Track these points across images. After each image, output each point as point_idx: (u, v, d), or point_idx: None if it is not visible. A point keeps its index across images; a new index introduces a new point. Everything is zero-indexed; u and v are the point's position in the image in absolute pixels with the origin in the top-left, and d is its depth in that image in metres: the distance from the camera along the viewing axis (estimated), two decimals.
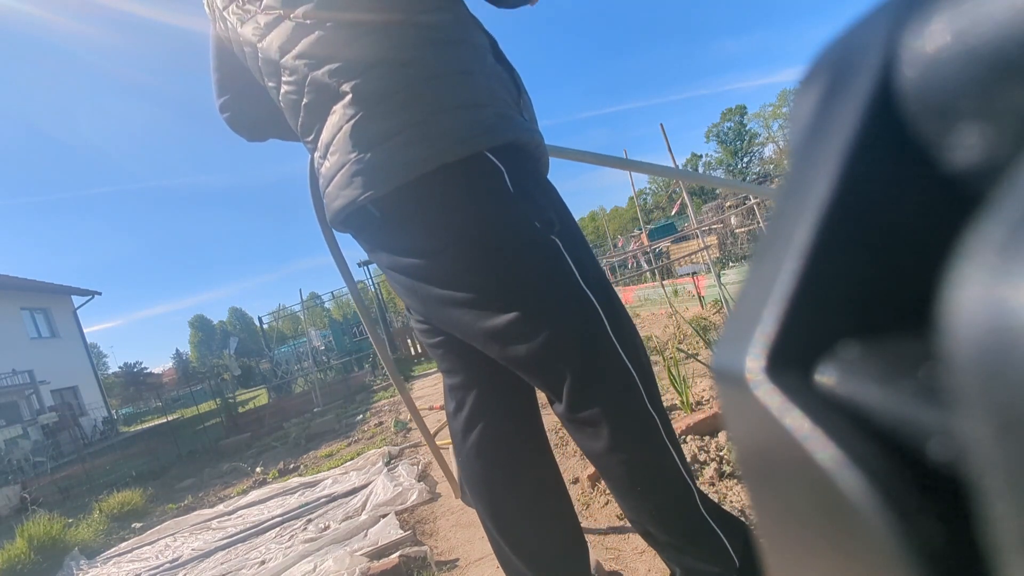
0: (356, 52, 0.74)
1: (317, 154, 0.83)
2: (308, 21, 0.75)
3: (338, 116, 0.75)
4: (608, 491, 1.54)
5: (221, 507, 2.75)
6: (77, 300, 17.94)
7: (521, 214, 0.75)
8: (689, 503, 0.75)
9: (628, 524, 1.36)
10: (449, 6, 0.78)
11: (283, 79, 0.80)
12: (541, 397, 0.90)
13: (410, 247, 0.77)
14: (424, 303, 0.81)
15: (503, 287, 0.73)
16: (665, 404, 2.14)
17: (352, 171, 0.75)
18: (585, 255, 0.79)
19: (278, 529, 2.15)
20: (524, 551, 0.87)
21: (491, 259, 0.74)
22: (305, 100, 0.79)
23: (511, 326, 0.73)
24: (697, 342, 3.06)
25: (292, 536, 2.02)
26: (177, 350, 66.79)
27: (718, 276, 3.70)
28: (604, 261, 11.04)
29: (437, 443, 2.73)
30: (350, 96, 0.74)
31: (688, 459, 1.52)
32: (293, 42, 0.76)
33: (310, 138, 0.84)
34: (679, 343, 3.24)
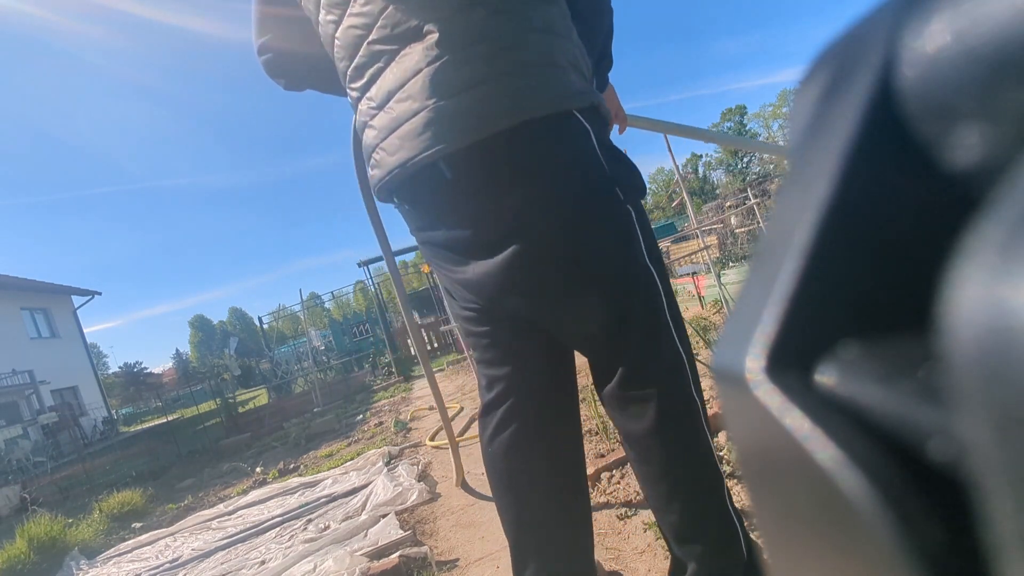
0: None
1: (369, 103, 0.75)
2: None
3: (417, 58, 0.68)
4: (607, 492, 1.54)
5: (221, 507, 2.75)
6: (77, 300, 17.95)
7: (607, 178, 0.72)
8: (718, 490, 0.75)
9: (627, 525, 1.36)
10: None
11: (351, 10, 0.73)
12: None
13: (481, 210, 0.71)
14: (482, 279, 0.75)
15: (581, 253, 0.71)
16: None
17: (427, 119, 0.68)
18: (648, 229, 0.77)
19: (278, 529, 2.15)
20: (538, 547, 0.86)
21: (575, 223, 0.70)
22: (372, 36, 0.71)
23: (582, 295, 0.71)
24: (697, 342, 3.06)
25: (292, 536, 2.02)
26: (177, 350, 66.83)
27: (718, 276, 3.70)
28: None
29: (433, 444, 2.74)
30: (437, 37, 0.67)
31: None
32: None
33: (360, 83, 0.76)
34: None
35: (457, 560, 1.46)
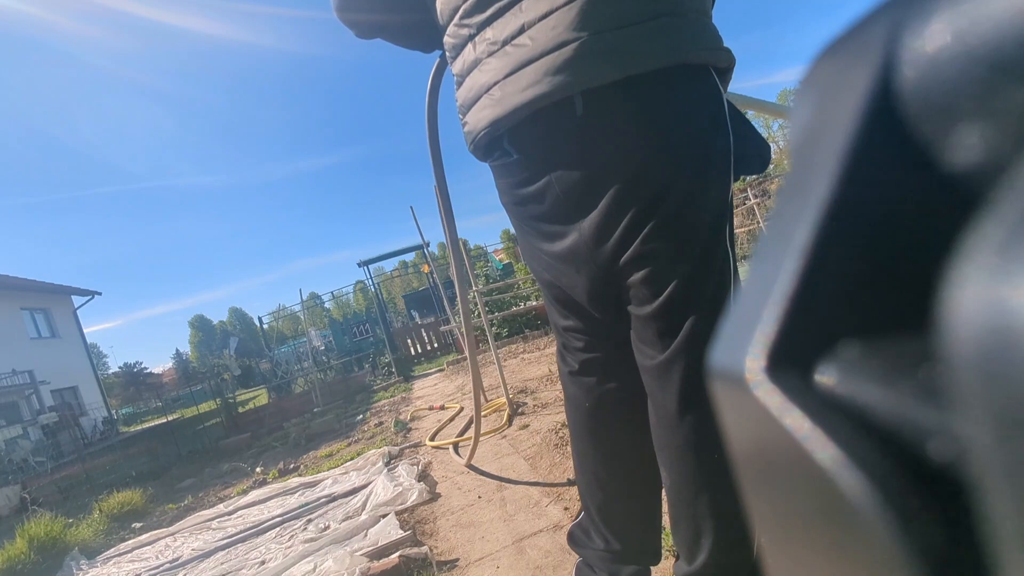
0: None
1: (488, 41, 0.72)
2: None
3: None
4: None
5: (221, 507, 2.75)
6: (77, 300, 17.94)
7: (729, 145, 0.71)
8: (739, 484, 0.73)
9: None
10: None
11: None
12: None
13: (604, 151, 0.69)
14: (584, 229, 0.73)
15: (687, 205, 0.69)
16: None
17: (576, 51, 0.64)
18: (732, 214, 0.76)
19: (278, 529, 2.15)
20: (615, 513, 0.90)
21: (691, 175, 0.68)
22: None
23: (668, 256, 0.70)
24: None
25: (292, 536, 2.02)
26: (177, 350, 66.81)
27: None
28: None
29: (433, 444, 2.74)
30: None
31: None
32: None
33: (480, 17, 0.72)
34: None
35: (457, 560, 1.46)
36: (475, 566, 1.39)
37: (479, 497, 1.86)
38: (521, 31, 0.68)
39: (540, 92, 0.67)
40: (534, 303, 7.72)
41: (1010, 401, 0.07)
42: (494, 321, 5.43)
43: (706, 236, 0.71)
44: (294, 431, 4.70)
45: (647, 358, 0.76)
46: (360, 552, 1.60)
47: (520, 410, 2.85)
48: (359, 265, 11.11)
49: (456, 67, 0.80)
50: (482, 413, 3.04)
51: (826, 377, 0.13)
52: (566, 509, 1.56)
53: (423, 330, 10.29)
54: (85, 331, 18.23)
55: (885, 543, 0.10)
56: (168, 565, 2.15)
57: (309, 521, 2.13)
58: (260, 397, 11.84)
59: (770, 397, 0.13)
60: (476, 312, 3.46)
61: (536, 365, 4.33)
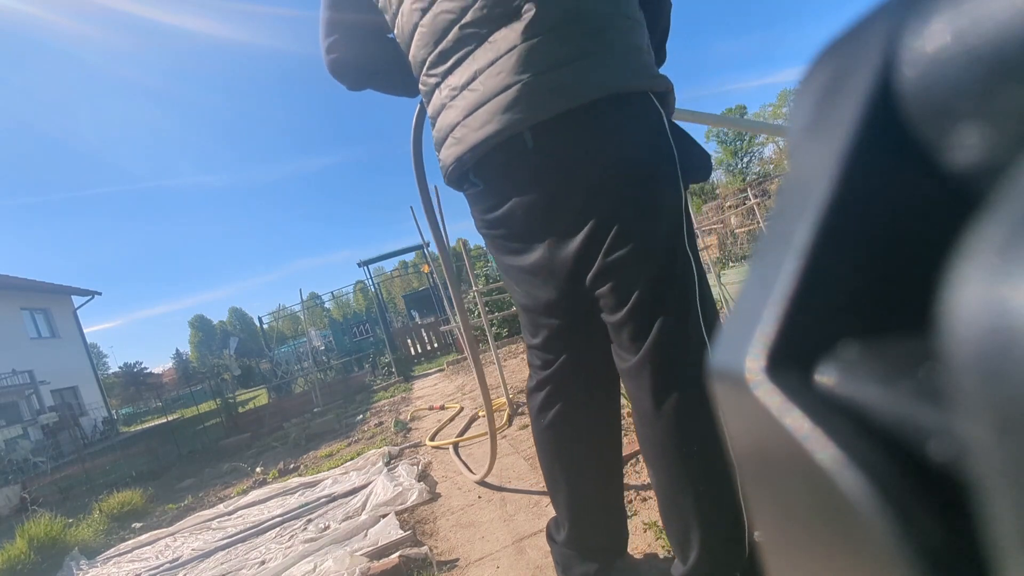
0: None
1: (450, 87, 0.80)
2: None
3: (511, 37, 0.73)
4: None
5: (221, 507, 2.75)
6: (77, 300, 17.94)
7: (674, 159, 0.77)
8: (730, 479, 0.74)
9: (629, 524, 1.36)
10: None
11: None
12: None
13: (557, 179, 0.76)
14: (550, 248, 0.81)
15: (641, 218, 0.75)
16: None
17: (519, 93, 0.72)
18: (690, 220, 0.81)
19: (278, 529, 2.15)
20: (572, 514, 0.96)
21: (640, 190, 0.75)
22: (466, 19, 0.75)
23: (630, 265, 0.75)
24: None
25: (292, 536, 2.02)
26: (177, 350, 66.80)
27: (718, 276, 3.70)
28: None
29: (434, 444, 2.74)
30: (533, 15, 0.71)
31: None
32: None
33: (443, 67, 0.80)
34: None
35: (457, 560, 1.46)
36: (475, 566, 1.39)
37: (479, 497, 1.86)
38: (474, 77, 0.77)
39: (493, 130, 0.75)
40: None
41: (1010, 401, 0.07)
42: (494, 321, 5.43)
43: (664, 243, 0.76)
44: (294, 431, 4.70)
45: (623, 361, 0.81)
46: (360, 552, 1.60)
47: (520, 410, 2.85)
48: (359, 265, 11.11)
49: (429, 111, 0.89)
50: (479, 416, 3.04)
51: (826, 377, 0.13)
52: None
53: (423, 330, 10.29)
54: (85, 331, 18.23)
55: (885, 543, 0.10)
56: (168, 565, 2.14)
57: (309, 521, 2.13)
58: (260, 397, 11.84)
59: (770, 397, 0.13)
60: (476, 312, 3.48)
61: None
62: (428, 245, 4.96)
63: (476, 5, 0.74)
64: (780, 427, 0.12)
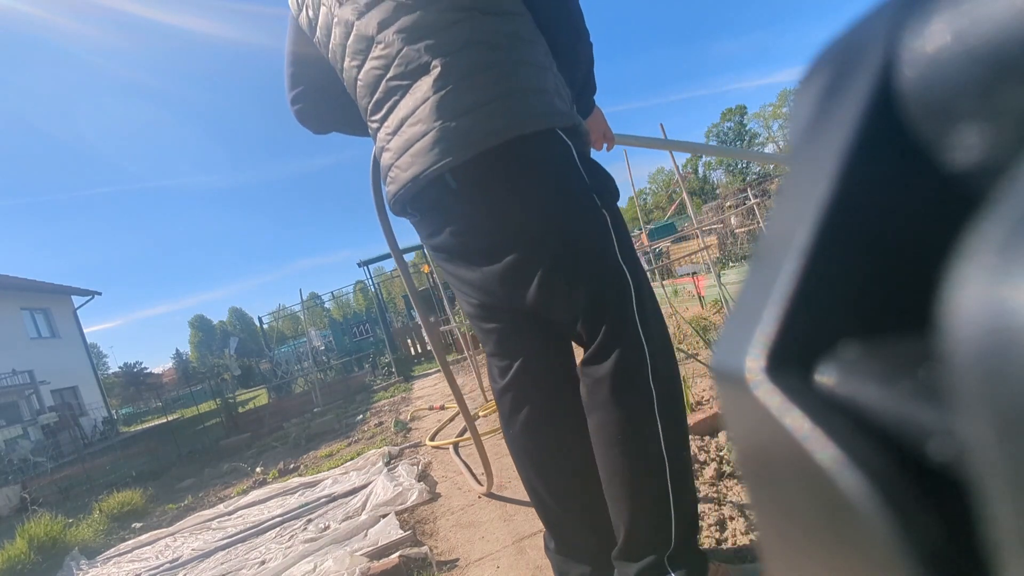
0: (452, 33, 0.80)
1: (386, 131, 0.88)
2: (410, 2, 0.82)
3: (425, 88, 0.80)
4: None
5: (221, 507, 2.75)
6: (77, 300, 17.94)
7: (586, 185, 0.84)
8: (661, 473, 0.82)
9: None
10: (525, 11, 0.87)
11: (372, 55, 0.86)
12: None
13: (481, 215, 0.84)
14: (486, 276, 0.88)
15: (564, 250, 0.82)
16: None
17: (435, 138, 0.80)
18: (622, 229, 0.87)
19: (278, 529, 2.15)
20: (551, 516, 0.99)
21: (559, 224, 0.82)
22: (390, 74, 0.84)
23: (565, 287, 0.83)
24: (697, 342, 3.06)
25: (292, 536, 2.02)
26: (177, 350, 66.79)
27: (718, 276, 3.70)
28: None
29: (434, 444, 2.74)
30: (440, 70, 0.79)
31: None
32: (393, 19, 0.83)
33: (379, 115, 0.89)
34: (679, 343, 3.24)
35: (457, 560, 1.46)
36: (475, 566, 1.39)
37: (479, 497, 1.86)
38: (401, 124, 0.85)
39: (418, 172, 0.83)
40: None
41: (1010, 401, 0.07)
42: None
43: (593, 259, 0.83)
44: (294, 431, 4.70)
45: (573, 367, 0.90)
46: (360, 552, 1.60)
47: None
48: (359, 265, 11.10)
49: (375, 152, 1.00)
50: (479, 416, 3.04)
51: (826, 377, 0.13)
52: None
53: (423, 330, 10.28)
54: (85, 331, 18.24)
55: (885, 543, 0.10)
56: (168, 565, 2.15)
57: (309, 521, 2.13)
58: (260, 397, 11.84)
59: (770, 397, 0.13)
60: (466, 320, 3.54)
61: None
62: None
63: (396, 63, 0.83)
64: (780, 427, 0.12)
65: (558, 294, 0.84)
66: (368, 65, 0.87)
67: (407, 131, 0.83)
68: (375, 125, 0.92)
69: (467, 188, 0.82)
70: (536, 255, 0.83)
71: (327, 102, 1.08)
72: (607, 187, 0.87)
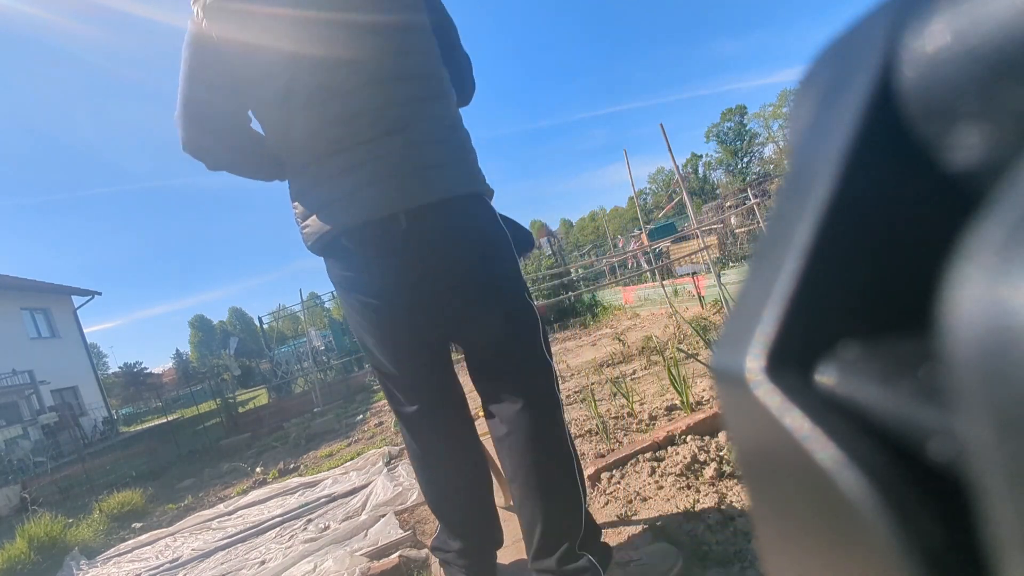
0: (416, 108, 0.93)
1: (337, 164, 0.93)
2: (387, 76, 0.92)
3: (393, 147, 0.91)
4: (607, 492, 1.54)
5: (221, 507, 2.75)
6: (77, 300, 17.94)
7: (507, 239, 1.02)
8: (570, 468, 1.00)
9: (627, 526, 1.36)
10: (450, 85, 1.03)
11: (337, 108, 0.91)
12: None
13: (425, 250, 0.94)
14: (413, 302, 0.98)
15: (488, 288, 0.99)
16: (665, 404, 2.11)
17: (397, 186, 0.90)
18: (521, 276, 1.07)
19: (278, 529, 2.15)
20: (447, 516, 1.15)
21: (490, 261, 0.98)
22: (358, 129, 0.91)
23: (487, 316, 1.00)
24: (697, 342, 3.06)
25: (292, 536, 2.02)
26: (177, 350, 66.78)
27: (718, 276, 3.70)
28: (604, 261, 11.03)
29: None
30: (405, 134, 0.91)
31: (688, 459, 1.53)
32: (373, 84, 0.92)
33: (331, 162, 0.94)
34: (679, 343, 3.24)
35: None
36: None
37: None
38: (359, 166, 0.92)
39: (372, 212, 0.91)
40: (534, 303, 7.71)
41: (1010, 401, 0.07)
42: None
43: (508, 295, 1.00)
44: (294, 431, 4.70)
45: (487, 384, 1.05)
46: (360, 552, 1.60)
47: None
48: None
49: (301, 191, 1.01)
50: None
51: (826, 377, 0.13)
52: None
53: None
54: (85, 331, 18.23)
55: (885, 543, 0.10)
56: (168, 565, 2.15)
57: (309, 521, 2.13)
58: (260, 397, 11.83)
59: (770, 397, 0.13)
60: None
61: None
62: None
63: (368, 120, 0.91)
64: (780, 427, 0.12)
65: (479, 320, 1.00)
66: (330, 116, 0.91)
67: (359, 173, 0.91)
68: (316, 168, 0.95)
69: (416, 227, 0.92)
70: (466, 287, 0.97)
71: (226, 142, 1.03)
72: (521, 240, 1.04)
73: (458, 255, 0.96)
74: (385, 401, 5.41)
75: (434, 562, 1.46)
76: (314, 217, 0.98)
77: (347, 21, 0.90)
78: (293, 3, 0.89)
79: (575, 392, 2.90)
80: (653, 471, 1.56)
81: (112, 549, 2.64)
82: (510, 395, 0.99)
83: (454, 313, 0.99)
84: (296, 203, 1.02)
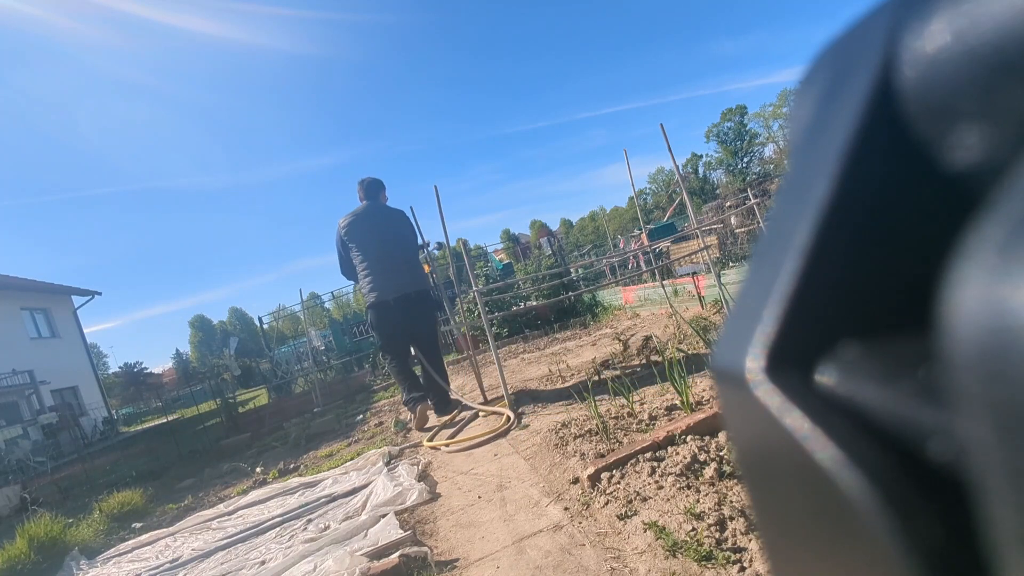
0: (410, 255, 3.54)
1: (382, 267, 3.39)
2: (402, 250, 3.51)
3: (403, 266, 3.42)
4: (607, 492, 1.54)
5: (221, 507, 2.75)
6: (77, 300, 17.95)
7: (438, 306, 4.14)
8: (444, 377, 3.49)
9: (628, 525, 1.36)
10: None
11: (385, 249, 3.42)
12: None
13: (417, 306, 3.41)
14: (401, 319, 3.38)
15: (428, 320, 3.60)
16: (665, 404, 2.11)
17: (406, 281, 3.38)
18: (436, 317, 3.90)
19: (278, 529, 2.15)
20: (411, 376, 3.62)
21: (429, 313, 3.61)
22: (390, 256, 3.40)
23: (427, 335, 3.56)
24: (697, 342, 3.06)
25: (292, 536, 2.02)
26: (177, 350, 66.80)
27: (718, 276, 3.70)
28: (604, 261, 11.04)
29: (431, 444, 2.74)
30: (407, 265, 3.44)
31: (688, 459, 1.53)
32: (396, 243, 3.51)
33: (381, 267, 3.38)
34: (679, 343, 3.24)
35: (457, 560, 1.46)
36: (475, 566, 1.39)
37: (479, 497, 1.86)
38: (392, 274, 3.47)
39: (405, 288, 3.39)
40: (534, 303, 7.72)
41: (1010, 401, 0.07)
42: (494, 321, 5.44)
43: (430, 320, 3.62)
44: (294, 431, 4.70)
45: (417, 347, 3.55)
46: (360, 552, 1.60)
47: (520, 410, 2.85)
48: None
49: (362, 279, 3.51)
50: (483, 412, 3.05)
51: (826, 377, 0.13)
52: (566, 509, 1.56)
53: None
54: (85, 331, 18.23)
55: (885, 542, 0.10)
56: (168, 565, 2.15)
57: (309, 521, 2.13)
58: (260, 397, 11.83)
59: (770, 397, 0.13)
60: (476, 312, 3.91)
61: (536, 365, 4.34)
62: (428, 245, 4.96)
63: (394, 254, 3.43)
64: (780, 427, 0.12)
65: (418, 325, 3.46)
66: (384, 256, 3.40)
67: (394, 275, 3.36)
68: (371, 269, 3.41)
69: (414, 298, 3.39)
70: (421, 318, 3.47)
71: (349, 267, 3.56)
72: (438, 302, 4.05)
73: (417, 305, 3.38)
74: (385, 401, 5.47)
75: (434, 562, 1.46)
76: (368, 292, 3.38)
77: (393, 229, 3.46)
78: (372, 226, 3.43)
79: (575, 392, 2.91)
80: (653, 471, 1.56)
81: (112, 549, 2.64)
82: (423, 346, 3.48)
83: (411, 322, 3.39)
84: (363, 283, 3.43)
